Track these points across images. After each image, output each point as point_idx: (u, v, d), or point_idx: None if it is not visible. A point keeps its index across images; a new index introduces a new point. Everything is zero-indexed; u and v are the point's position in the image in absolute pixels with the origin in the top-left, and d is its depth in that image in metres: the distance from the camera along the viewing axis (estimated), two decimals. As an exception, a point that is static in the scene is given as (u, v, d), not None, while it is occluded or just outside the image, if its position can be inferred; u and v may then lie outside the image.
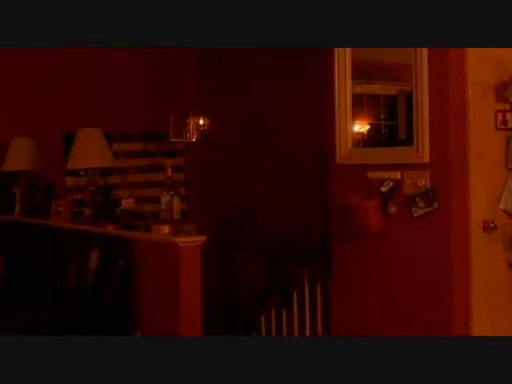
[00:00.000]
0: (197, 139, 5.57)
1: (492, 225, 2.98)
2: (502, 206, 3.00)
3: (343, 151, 3.32)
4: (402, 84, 3.21)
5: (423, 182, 3.01)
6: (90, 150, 4.71)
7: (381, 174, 3.18)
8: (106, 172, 5.23)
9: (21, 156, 5.14)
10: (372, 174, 3.21)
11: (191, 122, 5.45)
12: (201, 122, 5.51)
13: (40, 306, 4.11)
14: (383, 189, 3.16)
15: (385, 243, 3.16)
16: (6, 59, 5.10)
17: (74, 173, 5.29)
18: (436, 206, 2.97)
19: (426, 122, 2.97)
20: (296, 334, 4.09)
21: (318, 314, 4.00)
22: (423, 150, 2.98)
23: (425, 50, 2.94)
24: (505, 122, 2.97)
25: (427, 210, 2.99)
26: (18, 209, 5.23)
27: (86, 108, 5.53)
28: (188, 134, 5.47)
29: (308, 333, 4.05)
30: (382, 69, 3.36)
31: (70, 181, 5.52)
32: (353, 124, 3.34)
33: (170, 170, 4.10)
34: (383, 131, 3.43)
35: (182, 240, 3.72)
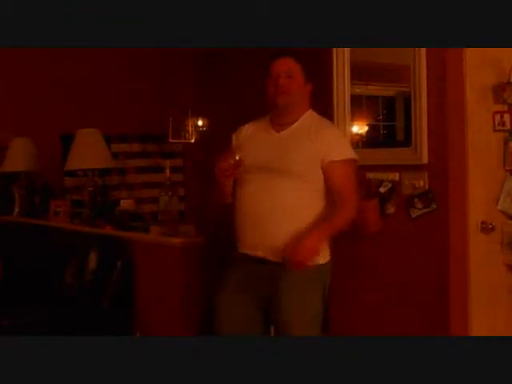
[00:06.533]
0: (196, 140, 5.57)
1: (490, 226, 2.98)
2: (500, 207, 3.01)
3: (342, 152, 3.32)
4: (401, 85, 3.21)
5: (421, 182, 3.02)
6: (89, 151, 4.71)
7: (379, 175, 3.18)
8: (104, 173, 5.23)
9: (20, 157, 5.14)
10: (370, 175, 3.22)
11: (190, 123, 5.45)
12: (199, 122, 5.51)
13: (40, 306, 4.11)
14: (382, 189, 3.16)
15: (383, 244, 3.17)
16: (6, 59, 5.10)
17: (73, 173, 5.29)
18: (434, 206, 2.97)
19: (425, 123, 2.98)
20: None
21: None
22: (422, 151, 2.99)
23: (423, 51, 2.95)
24: (503, 123, 2.98)
25: (425, 210, 3.00)
26: (17, 209, 5.23)
27: (85, 109, 5.53)
28: (187, 135, 5.47)
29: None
30: (381, 70, 3.37)
31: (68, 181, 5.52)
32: (351, 125, 3.35)
33: (168, 171, 4.10)
34: (382, 132, 3.43)
35: (180, 241, 3.72)
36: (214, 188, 2.94)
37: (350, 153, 2.84)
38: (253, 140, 2.94)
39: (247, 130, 3.01)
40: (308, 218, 2.77)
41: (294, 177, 2.74)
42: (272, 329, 2.92)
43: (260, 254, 2.79)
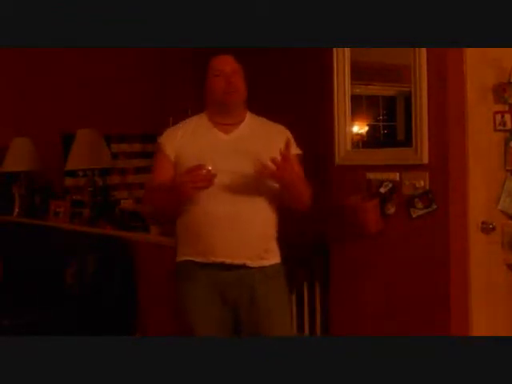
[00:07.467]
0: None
1: (491, 226, 2.98)
2: (500, 207, 3.01)
3: (342, 152, 3.32)
4: (401, 85, 3.21)
5: (422, 183, 3.02)
6: (89, 151, 4.73)
7: (380, 175, 3.18)
8: (104, 172, 5.23)
9: (20, 157, 5.15)
10: (371, 175, 3.22)
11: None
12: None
13: (40, 305, 4.12)
14: (382, 190, 3.16)
15: (383, 244, 3.17)
16: (6, 59, 5.10)
17: (73, 173, 5.30)
18: (435, 206, 2.97)
19: (425, 123, 2.98)
20: (294, 333, 4.09)
21: (316, 314, 4.00)
22: (422, 151, 2.98)
23: (424, 51, 2.95)
24: (503, 123, 2.98)
25: (426, 210, 3.00)
26: (17, 209, 5.23)
27: (86, 109, 5.54)
28: (187, 135, 5.46)
29: (307, 333, 4.05)
30: (381, 70, 3.37)
31: (68, 181, 5.52)
32: (352, 125, 3.35)
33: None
34: (382, 132, 3.43)
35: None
36: (168, 203, 2.67)
37: (298, 149, 2.80)
38: (199, 144, 2.72)
39: (184, 134, 2.79)
40: (276, 218, 2.80)
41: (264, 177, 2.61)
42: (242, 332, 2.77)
43: (237, 260, 2.65)
